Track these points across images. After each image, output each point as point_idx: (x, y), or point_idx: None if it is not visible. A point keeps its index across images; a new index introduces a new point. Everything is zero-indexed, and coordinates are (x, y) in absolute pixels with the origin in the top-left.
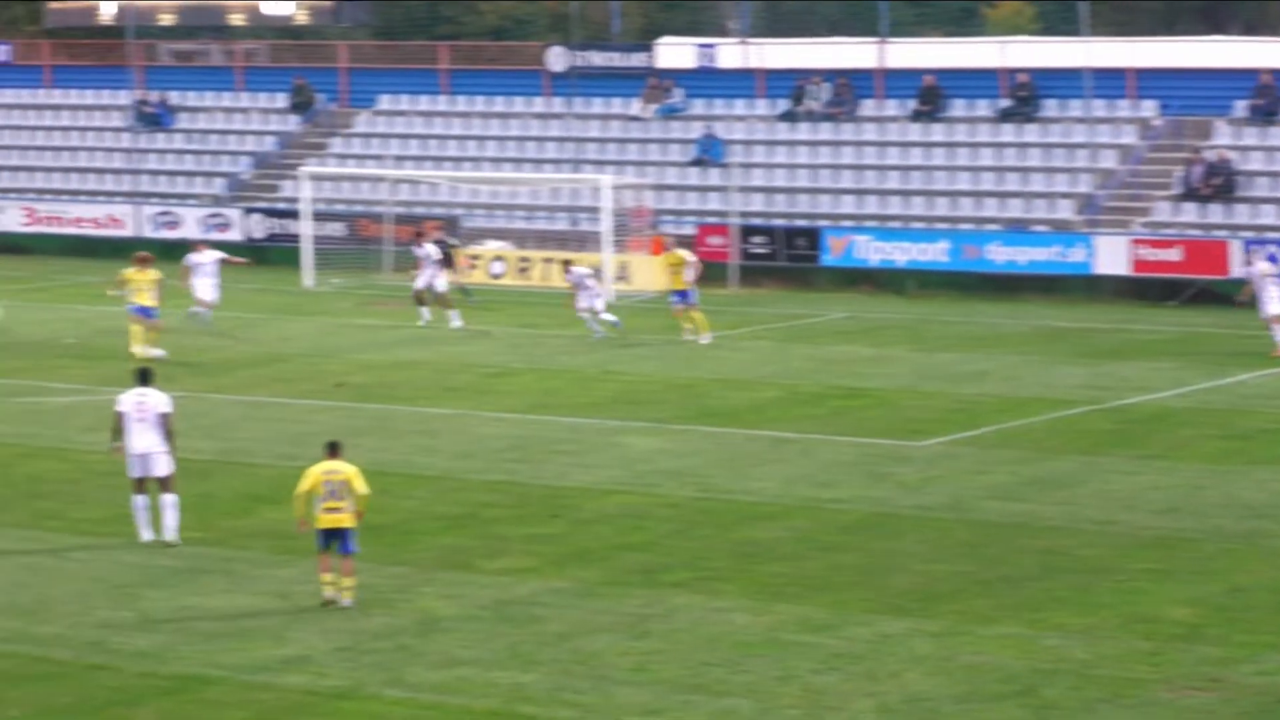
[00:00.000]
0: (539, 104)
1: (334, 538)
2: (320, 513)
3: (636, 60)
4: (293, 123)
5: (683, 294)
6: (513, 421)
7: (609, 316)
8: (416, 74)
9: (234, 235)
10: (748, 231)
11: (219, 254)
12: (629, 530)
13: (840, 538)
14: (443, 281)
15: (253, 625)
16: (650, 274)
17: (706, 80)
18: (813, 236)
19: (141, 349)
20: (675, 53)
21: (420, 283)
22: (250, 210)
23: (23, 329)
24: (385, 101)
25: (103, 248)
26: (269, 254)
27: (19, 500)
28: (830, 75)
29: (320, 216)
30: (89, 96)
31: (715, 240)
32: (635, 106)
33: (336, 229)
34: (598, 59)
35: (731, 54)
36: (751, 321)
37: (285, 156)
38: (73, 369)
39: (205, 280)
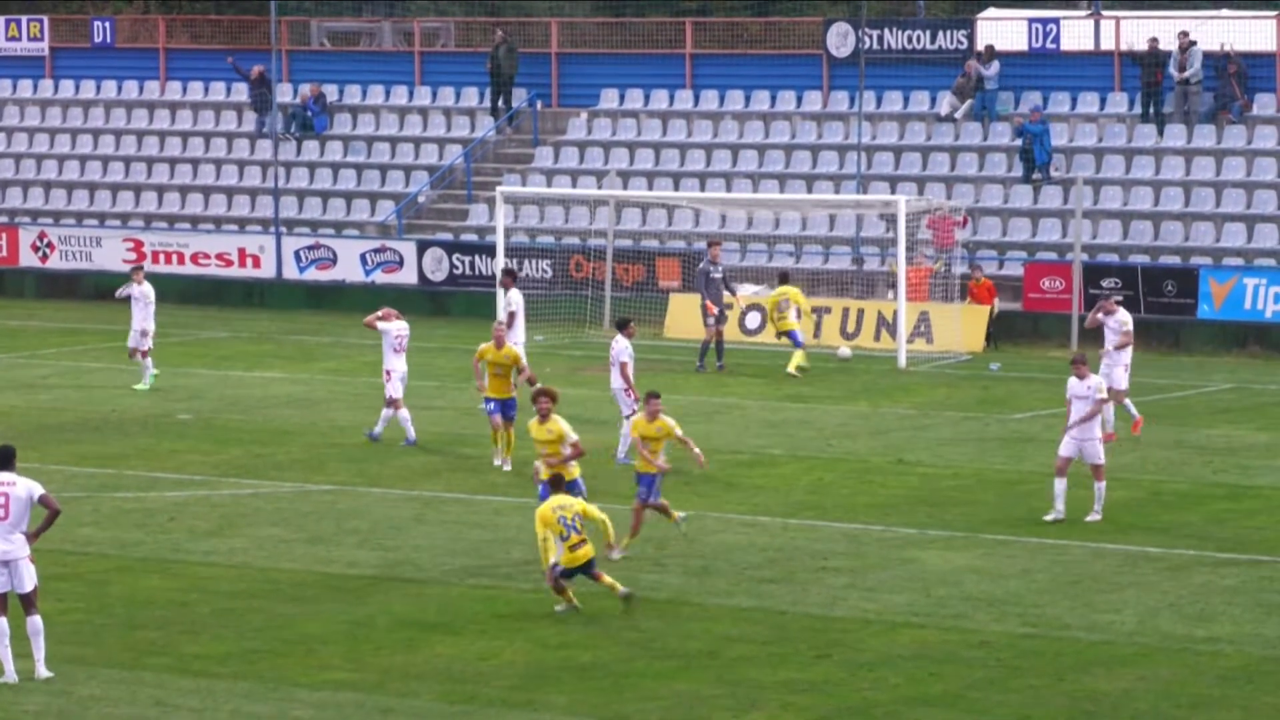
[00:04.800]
0: (815, 100)
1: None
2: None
3: (948, 41)
4: (487, 127)
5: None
6: (768, 527)
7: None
8: (652, 61)
9: (406, 276)
10: (1095, 272)
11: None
12: (925, 678)
13: (1217, 690)
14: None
15: None
16: (959, 329)
17: (1043, 67)
18: (1186, 279)
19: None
20: (1001, 30)
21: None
22: (427, 244)
23: (127, 402)
24: (609, 98)
25: (233, 292)
26: (450, 301)
27: (114, 630)
28: (1215, 61)
29: (520, 252)
30: (217, 91)
31: (1050, 284)
32: (945, 103)
33: (541, 268)
34: (895, 39)
35: (1078, 31)
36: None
37: (476, 173)
38: (188, 455)
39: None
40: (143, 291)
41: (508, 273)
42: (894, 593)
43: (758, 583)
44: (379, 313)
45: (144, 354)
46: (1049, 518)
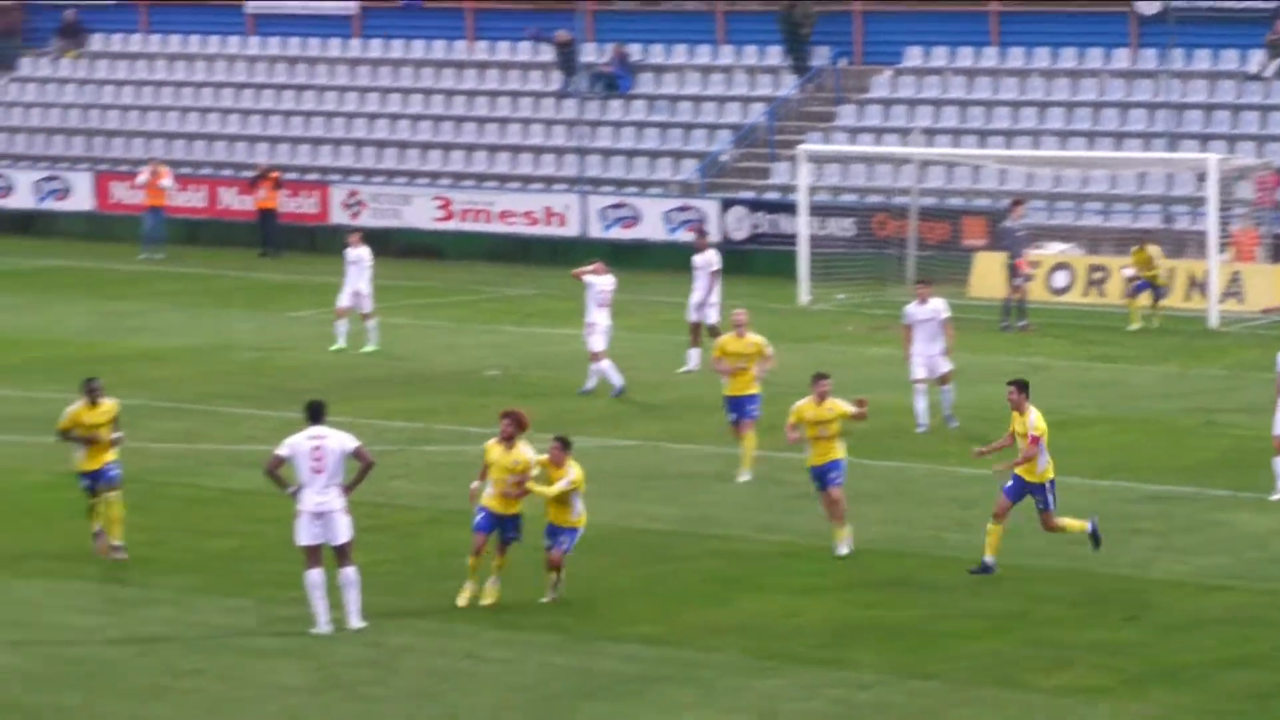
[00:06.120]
0: (1123, 58)
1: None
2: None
3: None
4: (789, 85)
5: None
6: (1078, 489)
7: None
8: (957, 19)
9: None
10: None
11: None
12: (1236, 640)
13: None
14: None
15: None
16: (1273, 288)
17: None
18: None
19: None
20: None
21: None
22: (730, 202)
23: (436, 358)
24: (914, 56)
25: (539, 250)
26: (752, 259)
27: (424, 581)
28: None
29: (823, 210)
30: (524, 51)
31: None
32: (1255, 61)
33: (844, 227)
34: None
35: None
36: None
37: (779, 131)
38: (496, 410)
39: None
40: (358, 255)
41: (701, 232)
42: (1205, 555)
43: (1068, 544)
44: (590, 266)
45: (365, 316)
46: (1275, 497)
